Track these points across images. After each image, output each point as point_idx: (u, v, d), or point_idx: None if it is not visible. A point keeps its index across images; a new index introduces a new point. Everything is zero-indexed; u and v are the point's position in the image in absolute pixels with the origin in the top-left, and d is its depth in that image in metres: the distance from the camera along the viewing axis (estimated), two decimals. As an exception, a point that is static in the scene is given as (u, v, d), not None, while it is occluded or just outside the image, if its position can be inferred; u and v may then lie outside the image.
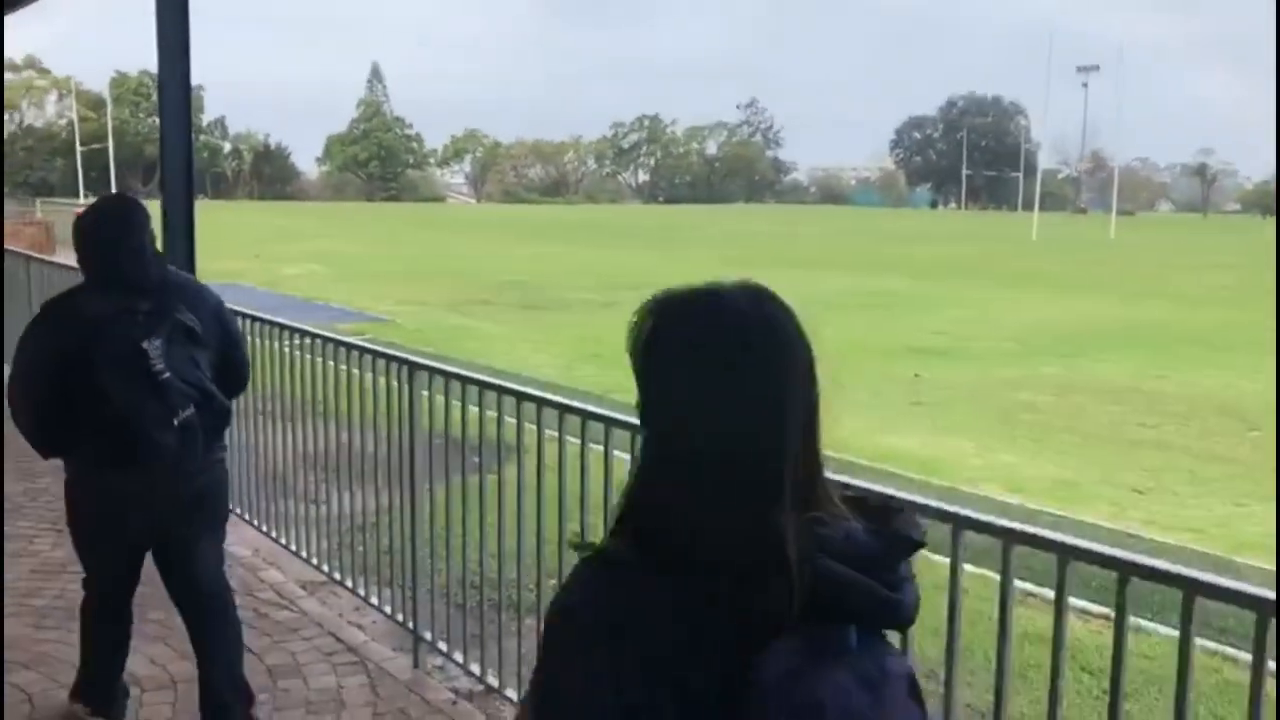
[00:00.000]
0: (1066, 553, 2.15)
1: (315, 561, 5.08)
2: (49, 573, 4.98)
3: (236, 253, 29.59)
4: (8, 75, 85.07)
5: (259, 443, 5.54)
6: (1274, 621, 1.84)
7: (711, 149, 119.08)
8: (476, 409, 3.96)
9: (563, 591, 1.19)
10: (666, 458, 1.18)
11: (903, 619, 1.16)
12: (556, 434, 3.58)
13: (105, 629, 3.45)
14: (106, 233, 3.19)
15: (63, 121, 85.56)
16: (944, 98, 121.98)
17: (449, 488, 4.22)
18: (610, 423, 3.45)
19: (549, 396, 3.85)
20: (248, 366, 3.58)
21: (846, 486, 1.27)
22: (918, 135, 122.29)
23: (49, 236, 29.21)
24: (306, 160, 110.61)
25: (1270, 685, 1.92)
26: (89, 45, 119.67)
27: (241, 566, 5.39)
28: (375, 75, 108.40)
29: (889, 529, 1.17)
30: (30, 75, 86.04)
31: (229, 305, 3.65)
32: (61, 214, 33.90)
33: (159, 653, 4.12)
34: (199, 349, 3.17)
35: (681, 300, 1.22)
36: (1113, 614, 2.05)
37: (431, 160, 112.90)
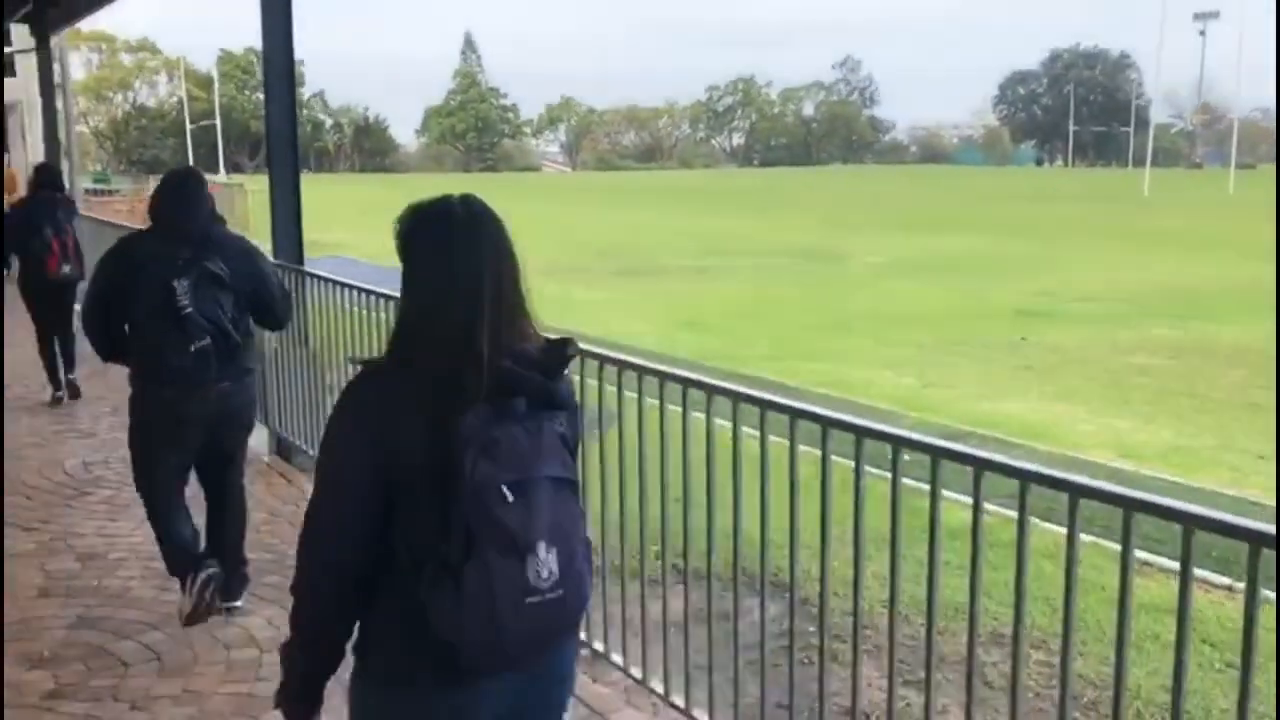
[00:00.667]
0: (1191, 523, 2.06)
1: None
2: (172, 536, 5.19)
3: (342, 224, 30.25)
4: (123, 56, 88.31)
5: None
6: None
7: (808, 110, 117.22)
8: (577, 377, 4.02)
9: (346, 387, 1.89)
10: (410, 307, 1.86)
11: (557, 401, 1.83)
12: (658, 402, 3.58)
13: (166, 517, 4.07)
14: (165, 195, 3.91)
15: (173, 100, 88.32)
16: (1047, 50, 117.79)
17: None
18: (712, 390, 3.44)
19: (649, 365, 3.83)
20: (280, 301, 4.19)
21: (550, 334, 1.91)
22: (1021, 90, 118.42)
23: (163, 212, 30.40)
24: (405, 133, 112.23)
25: None
26: (197, 25, 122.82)
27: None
28: (469, 45, 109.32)
29: (554, 347, 1.85)
30: (144, 56, 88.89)
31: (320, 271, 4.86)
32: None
33: (275, 614, 4.25)
34: (224, 292, 3.82)
35: (420, 207, 1.87)
36: (1234, 584, 1.96)
37: (527, 129, 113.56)
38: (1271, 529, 1.96)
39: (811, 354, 12.18)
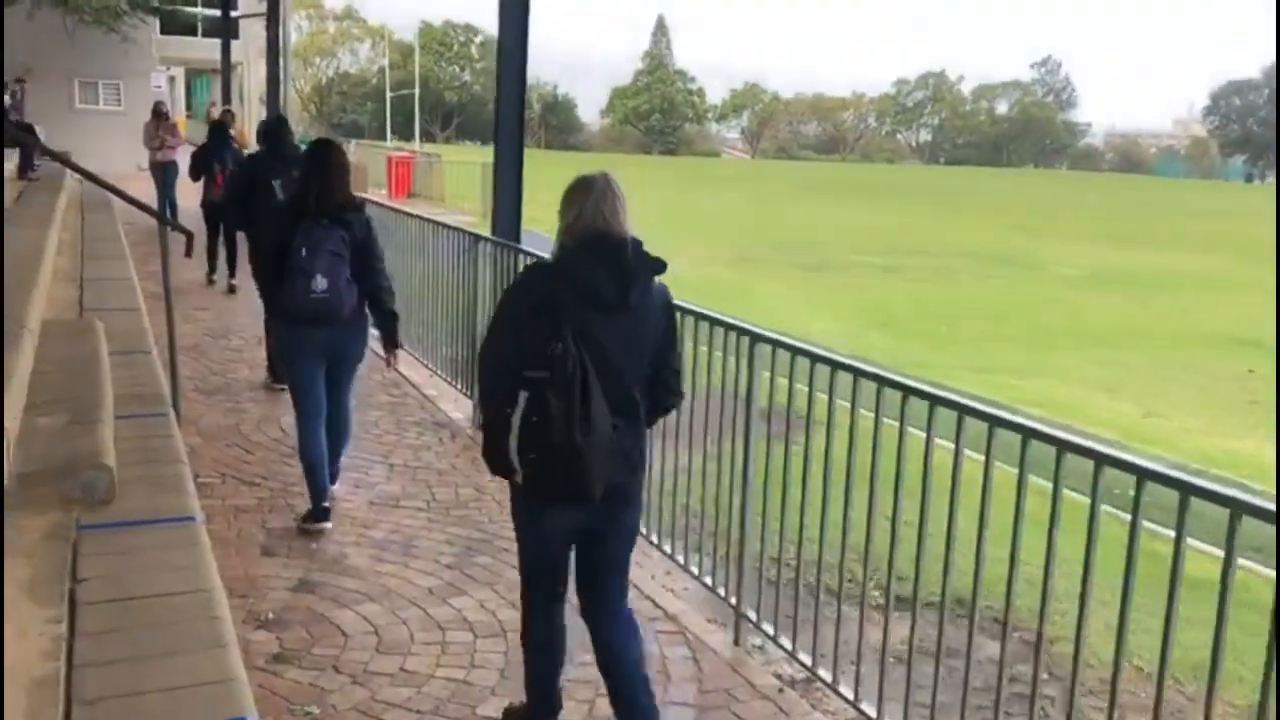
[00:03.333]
0: None
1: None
2: (385, 506, 5.24)
3: (529, 199, 30.74)
4: (329, 25, 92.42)
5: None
6: None
7: (1001, 109, 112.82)
8: (768, 374, 3.98)
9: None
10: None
11: (343, 221, 4.81)
12: (847, 403, 3.50)
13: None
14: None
15: (374, 69, 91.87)
16: (1268, 59, 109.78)
17: (768, 457, 4.09)
18: (935, 400, 3.23)
19: (861, 366, 3.64)
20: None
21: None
22: (1237, 101, 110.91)
23: (363, 177, 31.56)
24: (591, 113, 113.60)
25: None
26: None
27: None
28: (660, 29, 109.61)
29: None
30: (348, 24, 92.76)
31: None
32: (371, 155, 36.47)
33: (487, 597, 4.21)
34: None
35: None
36: None
37: (710, 115, 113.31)
38: None
39: (1015, 368, 11.58)
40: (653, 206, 36.05)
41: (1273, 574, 2.59)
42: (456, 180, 29.81)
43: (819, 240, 26.30)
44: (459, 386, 7.27)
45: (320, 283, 4.64)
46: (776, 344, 4.01)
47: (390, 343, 5.09)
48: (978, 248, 26.05)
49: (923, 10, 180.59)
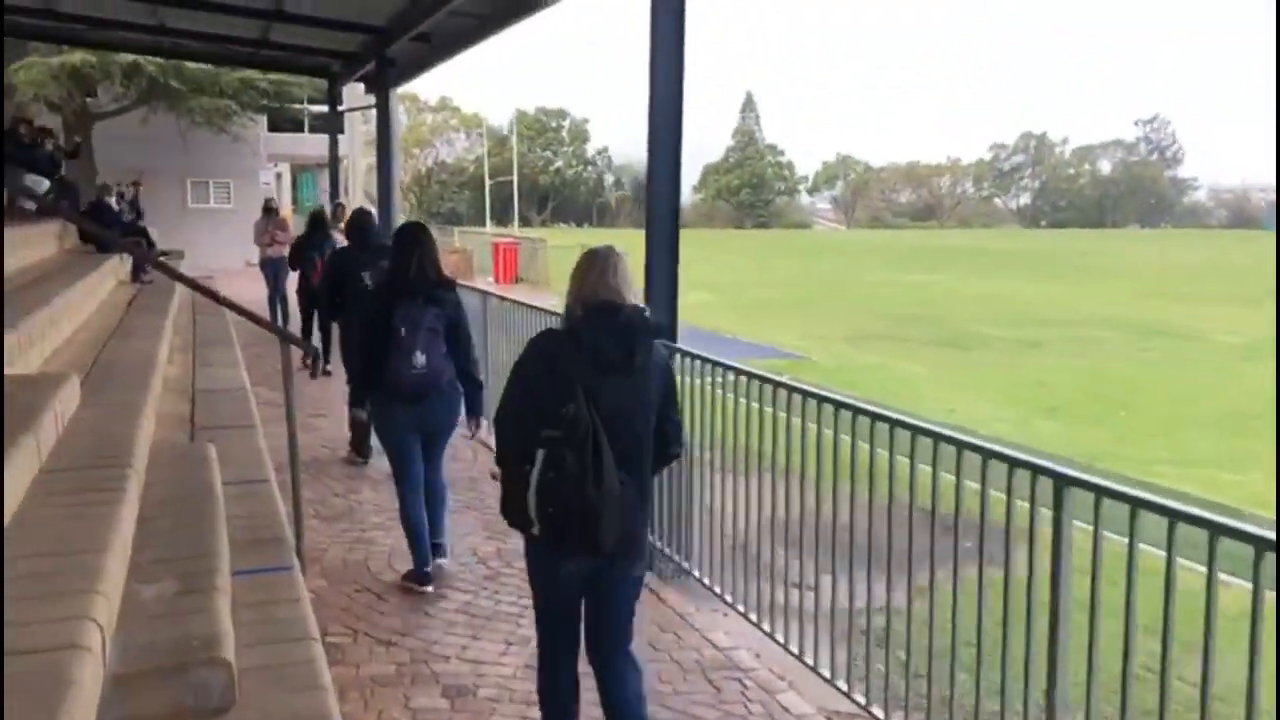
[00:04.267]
0: None
1: (838, 681, 4.15)
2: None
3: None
4: (428, 116, 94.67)
5: (714, 500, 5.11)
6: None
7: (1104, 169, 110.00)
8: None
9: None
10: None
11: (437, 300, 5.12)
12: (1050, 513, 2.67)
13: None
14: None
15: (470, 157, 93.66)
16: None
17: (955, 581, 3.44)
18: (1175, 517, 2.63)
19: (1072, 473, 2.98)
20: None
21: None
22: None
23: (469, 264, 31.34)
24: (683, 189, 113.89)
25: None
26: (490, 85, 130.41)
27: (741, 675, 4.45)
28: (748, 105, 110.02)
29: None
30: (445, 115, 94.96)
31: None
32: (476, 242, 36.37)
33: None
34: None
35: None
36: None
37: (801, 186, 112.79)
38: None
39: (1219, 459, 10.17)
40: (752, 280, 35.20)
41: None
42: (560, 264, 29.35)
43: (943, 313, 24.95)
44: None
45: (420, 359, 4.93)
46: (963, 445, 3.42)
47: (473, 412, 5.26)
48: (1116, 316, 24.42)
49: (1012, 74, 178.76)
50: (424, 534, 5.12)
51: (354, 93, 23.51)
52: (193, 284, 5.48)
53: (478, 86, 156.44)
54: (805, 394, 4.35)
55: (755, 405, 4.67)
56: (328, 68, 16.24)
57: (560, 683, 3.33)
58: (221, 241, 27.13)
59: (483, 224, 60.56)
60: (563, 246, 30.23)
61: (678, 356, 5.60)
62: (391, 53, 12.28)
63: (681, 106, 5.96)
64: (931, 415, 11.86)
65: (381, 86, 13.44)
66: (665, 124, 5.94)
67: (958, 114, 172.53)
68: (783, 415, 4.44)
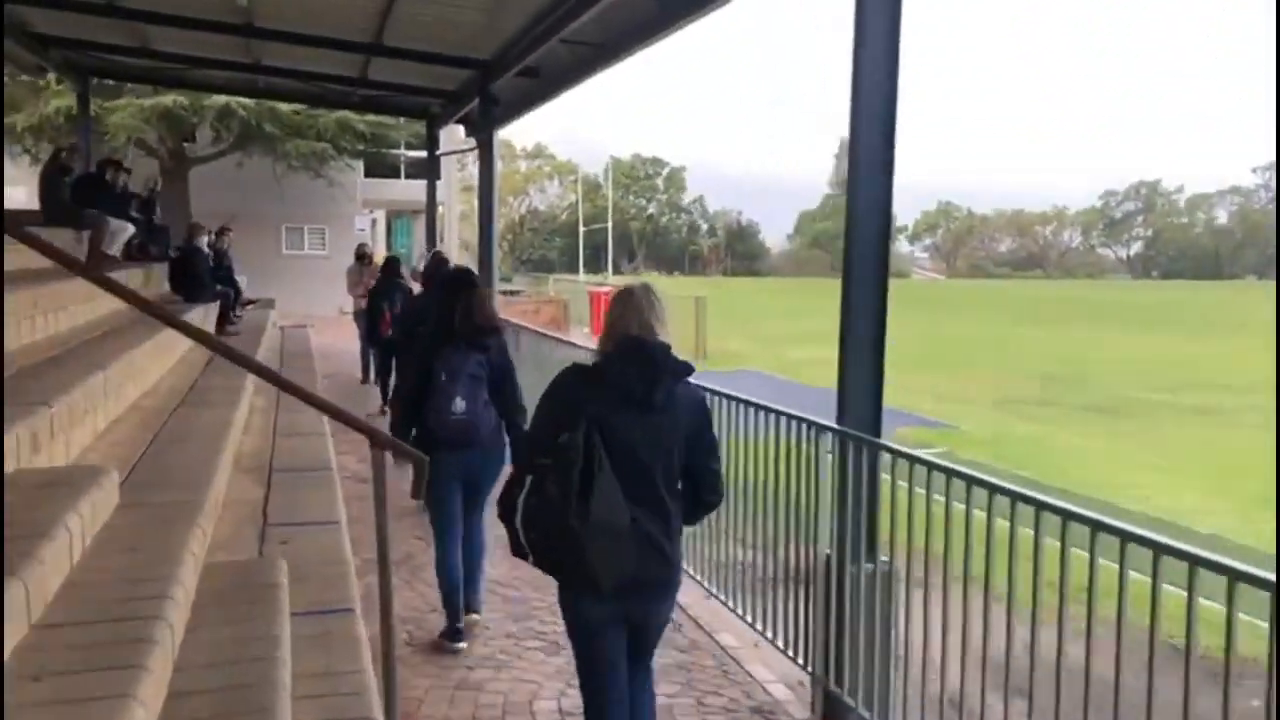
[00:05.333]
0: None
1: None
2: None
3: (731, 330, 28.23)
4: (521, 163, 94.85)
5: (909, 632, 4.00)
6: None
7: (1221, 218, 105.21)
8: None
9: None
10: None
11: (481, 347, 5.01)
12: None
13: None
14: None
15: (563, 204, 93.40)
16: None
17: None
18: None
19: None
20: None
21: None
22: None
23: (564, 314, 29.97)
24: (777, 237, 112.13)
25: None
26: (584, 135, 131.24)
27: None
28: (844, 149, 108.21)
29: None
30: (540, 163, 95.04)
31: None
32: (571, 291, 35.09)
33: None
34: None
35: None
36: None
37: (903, 234, 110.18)
38: None
39: None
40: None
41: None
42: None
43: (1088, 374, 22.70)
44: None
45: (459, 405, 4.83)
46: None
47: (518, 459, 4.82)
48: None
49: (1121, 118, 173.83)
50: (459, 590, 4.97)
51: (452, 137, 22.59)
52: (257, 367, 3.97)
53: (571, 135, 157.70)
54: (994, 489, 3.50)
55: (940, 500, 3.77)
56: (427, 108, 15.09)
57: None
58: (315, 288, 26.33)
59: (575, 271, 59.62)
60: (670, 296, 28.60)
61: (847, 442, 4.34)
62: (495, 89, 11.06)
63: (893, 147, 4.55)
64: (1123, 503, 9.90)
65: (484, 126, 12.23)
66: (869, 168, 4.48)
67: (1062, 160, 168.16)
68: (976, 512, 3.54)
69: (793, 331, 31.82)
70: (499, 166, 13.64)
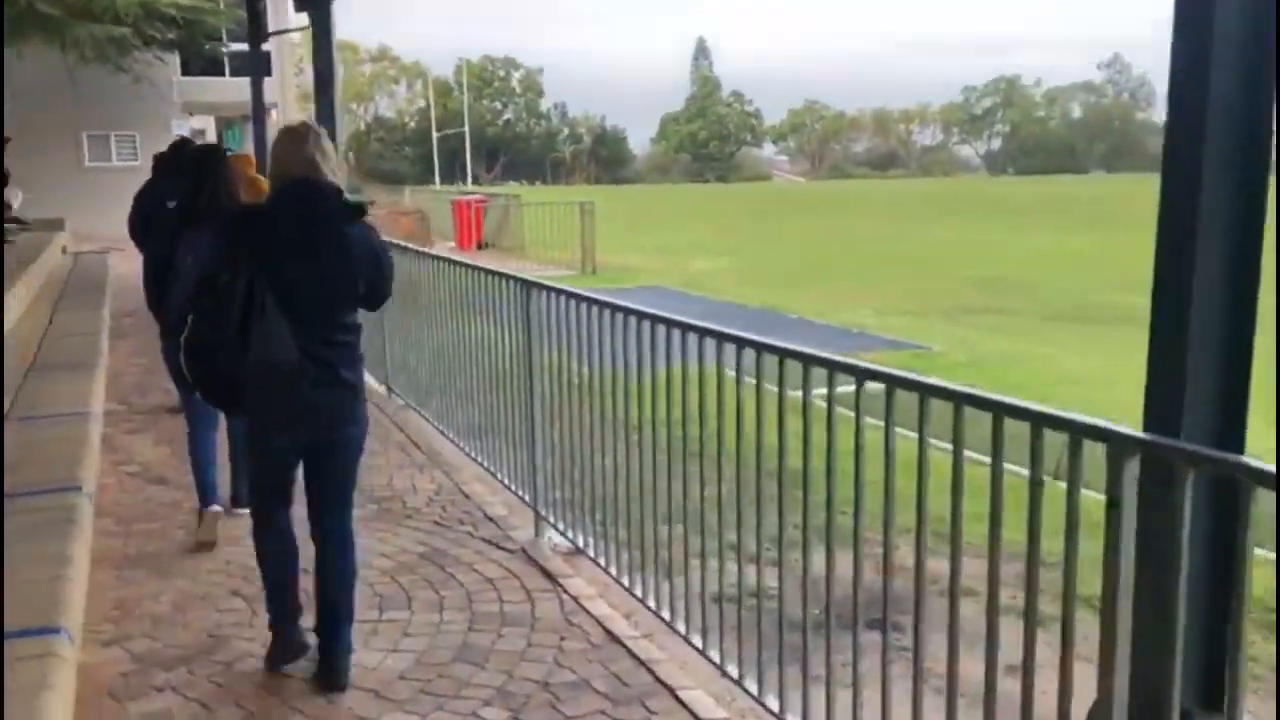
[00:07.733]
0: None
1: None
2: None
3: (614, 242, 25.08)
4: (366, 66, 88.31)
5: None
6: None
7: (1075, 113, 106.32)
8: None
9: None
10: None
11: None
12: None
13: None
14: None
15: (411, 110, 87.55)
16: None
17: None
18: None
19: None
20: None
21: None
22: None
23: (425, 227, 26.41)
24: (641, 141, 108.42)
25: None
26: (431, 33, 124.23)
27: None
28: (700, 52, 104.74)
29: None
30: (384, 65, 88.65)
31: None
32: (431, 201, 31.41)
33: None
34: None
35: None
36: None
37: (769, 136, 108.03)
38: None
39: None
40: (762, 242, 30.45)
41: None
42: (537, 227, 24.56)
43: (1025, 277, 20.55)
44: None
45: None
46: None
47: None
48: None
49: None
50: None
51: (281, 23, 18.95)
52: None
53: (417, 36, 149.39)
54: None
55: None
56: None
57: (275, 544, 3.42)
58: (126, 206, 22.19)
59: (430, 183, 55.39)
60: (542, 204, 25.26)
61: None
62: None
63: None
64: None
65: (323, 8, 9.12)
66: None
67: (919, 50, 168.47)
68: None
69: (679, 242, 29.00)
70: (340, 71, 10.87)
